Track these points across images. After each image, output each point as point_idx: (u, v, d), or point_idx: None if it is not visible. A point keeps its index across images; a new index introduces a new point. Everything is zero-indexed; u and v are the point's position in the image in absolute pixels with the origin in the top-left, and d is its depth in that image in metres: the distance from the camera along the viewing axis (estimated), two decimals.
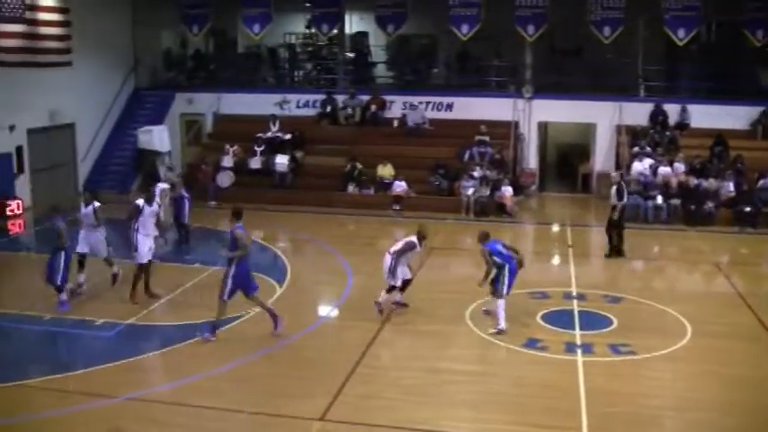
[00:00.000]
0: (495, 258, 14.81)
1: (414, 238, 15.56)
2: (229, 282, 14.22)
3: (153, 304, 16.40)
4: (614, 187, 20.54)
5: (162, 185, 20.20)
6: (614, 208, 20.45)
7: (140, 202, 16.57)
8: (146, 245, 16.41)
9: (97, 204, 16.67)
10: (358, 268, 18.97)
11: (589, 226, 24.79)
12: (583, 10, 27.64)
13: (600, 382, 12.66)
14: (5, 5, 21.93)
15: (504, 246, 15.15)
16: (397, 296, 15.91)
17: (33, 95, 25.32)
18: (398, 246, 15.55)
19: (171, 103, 31.23)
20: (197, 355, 13.86)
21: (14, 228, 23.52)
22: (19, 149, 25.44)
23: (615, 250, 20.55)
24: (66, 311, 15.49)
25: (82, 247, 16.57)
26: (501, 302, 14.75)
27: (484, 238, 15.12)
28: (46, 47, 24.00)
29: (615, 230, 20.62)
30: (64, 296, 15.72)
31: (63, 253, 15.54)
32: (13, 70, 23.25)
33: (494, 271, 14.88)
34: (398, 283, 15.57)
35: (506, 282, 14.75)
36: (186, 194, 21.18)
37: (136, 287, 16.36)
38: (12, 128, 24.83)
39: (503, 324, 14.67)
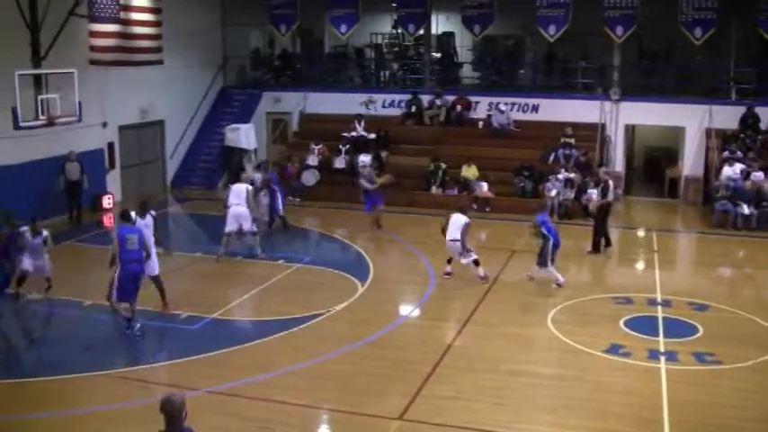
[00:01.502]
0: (542, 230, 17.28)
1: (464, 217, 17.77)
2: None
3: (237, 299, 16.68)
4: (600, 185, 20.78)
5: (247, 185, 20.40)
6: (600, 204, 20.71)
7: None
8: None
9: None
10: (440, 269, 18.95)
11: (676, 231, 24.38)
12: (673, 10, 27.12)
13: (683, 391, 12.44)
14: (100, 6, 22.47)
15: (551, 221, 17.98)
16: (447, 267, 18.20)
17: (125, 93, 26.01)
18: (460, 231, 17.59)
19: (258, 101, 31.69)
20: (278, 350, 14.07)
21: (108, 221, 24.21)
22: (110, 146, 26.19)
23: (595, 247, 20.64)
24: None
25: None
26: (549, 269, 17.42)
27: (539, 208, 18.49)
28: (139, 46, 24.52)
29: (596, 227, 20.76)
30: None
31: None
32: (106, 68, 23.84)
33: (540, 241, 17.45)
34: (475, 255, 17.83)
35: (550, 252, 17.28)
36: (277, 187, 22.31)
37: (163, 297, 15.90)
38: (104, 125, 25.57)
39: (560, 278, 17.40)
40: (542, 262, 17.47)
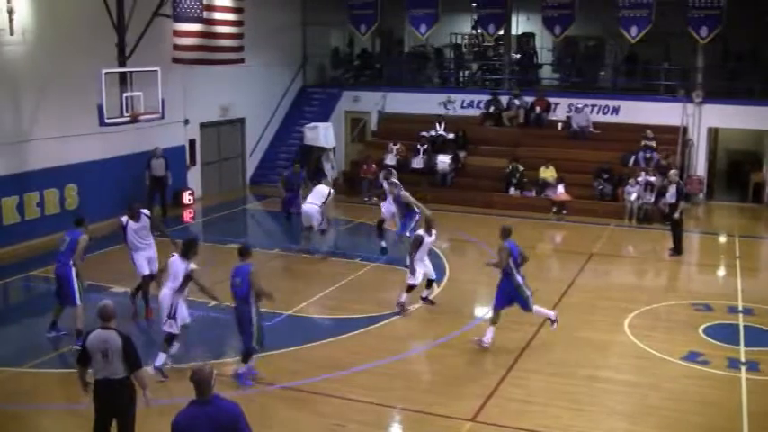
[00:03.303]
0: (511, 263, 13.84)
1: (421, 232, 15.93)
2: None
3: (313, 296, 16.82)
4: (674, 186, 20.48)
5: (330, 188, 20.63)
6: (673, 207, 20.35)
7: (124, 219, 15.19)
8: (140, 258, 15.23)
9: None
10: None
11: (759, 238, 23.82)
12: (760, 11, 26.47)
13: (764, 403, 12.17)
14: (184, 6, 22.86)
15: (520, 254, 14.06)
16: (424, 292, 16.30)
17: (206, 91, 26.46)
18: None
19: (337, 100, 31.92)
20: (352, 348, 14.18)
21: (188, 217, 24.66)
22: (192, 143, 26.67)
23: (676, 249, 20.56)
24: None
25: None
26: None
27: (507, 234, 14.04)
28: (221, 45, 24.86)
29: (674, 229, 20.64)
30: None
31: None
32: (188, 67, 24.27)
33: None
34: (418, 281, 15.87)
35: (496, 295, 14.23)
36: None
37: (147, 302, 15.45)
38: (186, 122, 26.04)
39: (486, 341, 14.06)
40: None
